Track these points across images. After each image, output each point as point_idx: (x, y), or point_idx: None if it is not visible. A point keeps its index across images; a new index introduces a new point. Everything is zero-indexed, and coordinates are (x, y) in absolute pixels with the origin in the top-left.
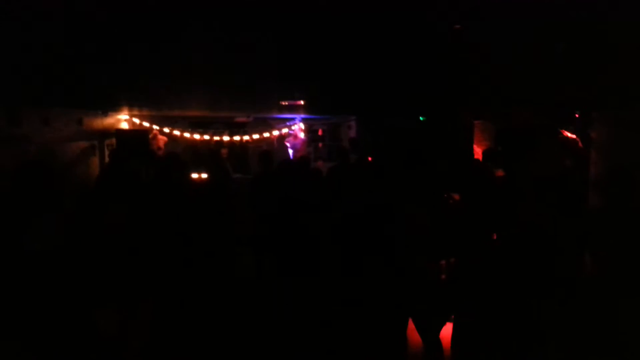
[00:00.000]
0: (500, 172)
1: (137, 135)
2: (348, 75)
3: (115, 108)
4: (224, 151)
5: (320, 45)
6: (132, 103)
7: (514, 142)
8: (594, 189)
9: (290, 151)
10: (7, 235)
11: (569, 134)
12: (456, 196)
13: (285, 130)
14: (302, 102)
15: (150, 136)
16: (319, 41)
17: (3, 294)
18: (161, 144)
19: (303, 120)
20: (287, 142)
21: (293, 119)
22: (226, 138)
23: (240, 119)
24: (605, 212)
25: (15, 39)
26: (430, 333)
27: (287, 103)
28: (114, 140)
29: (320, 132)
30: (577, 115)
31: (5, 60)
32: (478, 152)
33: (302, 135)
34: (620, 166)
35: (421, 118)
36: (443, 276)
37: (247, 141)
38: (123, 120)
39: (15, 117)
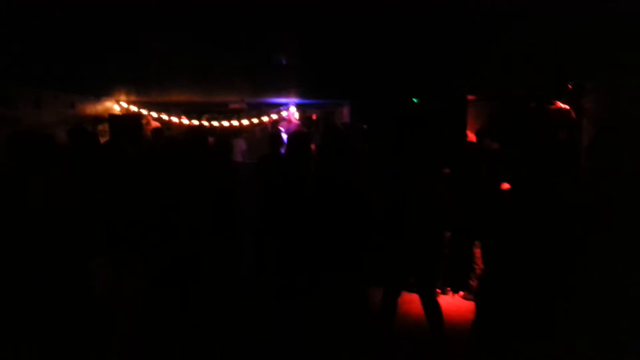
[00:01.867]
0: (496, 145)
1: (130, 120)
2: (340, 57)
3: (109, 93)
4: (210, 140)
5: (313, 27)
6: (125, 87)
7: (508, 126)
8: (587, 157)
9: (284, 136)
10: (13, 192)
11: (562, 105)
12: (447, 171)
13: (279, 115)
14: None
15: (144, 122)
16: (311, 23)
17: (10, 248)
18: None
19: (297, 105)
20: (281, 126)
21: (286, 104)
22: (225, 123)
23: (234, 105)
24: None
25: (10, 20)
26: (431, 296)
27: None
28: (106, 126)
29: (314, 117)
30: (570, 87)
31: None
32: (472, 137)
33: (295, 120)
34: (608, 128)
35: (414, 100)
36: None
37: (241, 127)
38: (116, 105)
39: (8, 97)
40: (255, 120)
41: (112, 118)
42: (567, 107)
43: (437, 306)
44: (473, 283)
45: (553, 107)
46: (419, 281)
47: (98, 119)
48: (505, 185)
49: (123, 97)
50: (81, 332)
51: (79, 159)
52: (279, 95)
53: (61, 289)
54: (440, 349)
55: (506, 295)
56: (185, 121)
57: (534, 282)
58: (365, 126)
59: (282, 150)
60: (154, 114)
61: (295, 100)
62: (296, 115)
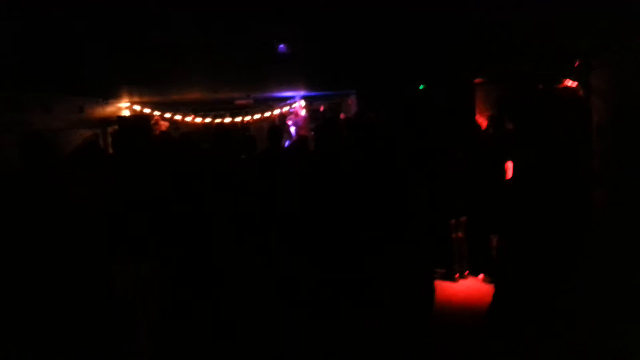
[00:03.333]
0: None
1: (139, 121)
2: (345, 47)
3: (116, 95)
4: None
5: (317, 17)
6: (132, 88)
7: (518, 111)
8: (598, 135)
9: (293, 129)
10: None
11: (570, 83)
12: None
13: (286, 109)
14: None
15: (152, 122)
16: (315, 13)
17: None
18: (163, 129)
19: (303, 97)
20: (289, 120)
21: (293, 97)
22: (227, 120)
23: (241, 101)
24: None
25: (17, 25)
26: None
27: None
28: (116, 127)
29: (321, 109)
30: (577, 64)
31: (6, 45)
32: (482, 122)
33: (303, 112)
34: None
35: (421, 86)
36: (460, 234)
37: (249, 122)
38: (124, 107)
39: (17, 103)
40: (262, 115)
41: (121, 120)
42: (575, 85)
43: (432, 291)
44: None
45: (561, 86)
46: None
47: (107, 121)
48: (509, 165)
49: (130, 98)
50: (101, 333)
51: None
52: (285, 88)
53: (84, 291)
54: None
55: (524, 279)
56: (196, 119)
57: (550, 266)
58: (373, 115)
59: (286, 143)
60: (162, 114)
61: (301, 93)
62: (303, 108)
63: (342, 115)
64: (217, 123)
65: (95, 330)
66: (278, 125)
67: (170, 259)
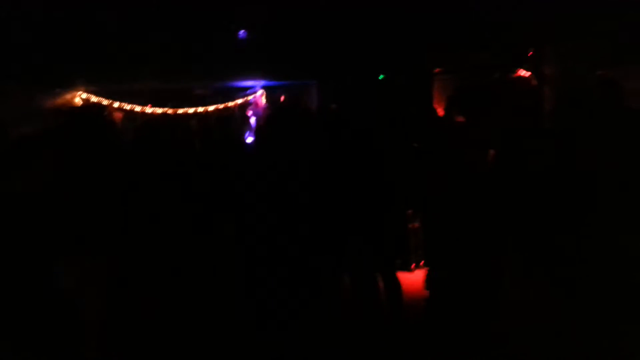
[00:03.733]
0: (460, 118)
1: (92, 111)
2: (305, 35)
3: (68, 85)
4: (193, 123)
5: (279, 5)
6: (85, 78)
7: (470, 102)
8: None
9: (253, 119)
10: None
11: (524, 72)
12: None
13: (246, 99)
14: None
15: (106, 112)
16: (276, 2)
17: None
18: (117, 120)
19: (264, 87)
20: (249, 110)
21: (253, 87)
22: (190, 111)
23: (199, 91)
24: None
25: None
26: (392, 273)
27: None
28: (67, 118)
29: (282, 99)
30: (530, 53)
31: None
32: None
33: (263, 102)
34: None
35: (380, 76)
36: (416, 225)
37: (208, 113)
38: (77, 96)
39: None
40: (222, 106)
41: (73, 110)
42: (529, 74)
43: (397, 284)
44: None
45: (515, 75)
46: (378, 259)
47: (58, 111)
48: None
49: (83, 87)
50: (42, 333)
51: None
52: (245, 77)
53: (24, 288)
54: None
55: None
56: (153, 110)
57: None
58: (333, 106)
59: (249, 135)
60: (116, 104)
61: (261, 82)
62: (263, 98)
63: (282, 98)
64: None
65: (35, 330)
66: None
67: (117, 254)
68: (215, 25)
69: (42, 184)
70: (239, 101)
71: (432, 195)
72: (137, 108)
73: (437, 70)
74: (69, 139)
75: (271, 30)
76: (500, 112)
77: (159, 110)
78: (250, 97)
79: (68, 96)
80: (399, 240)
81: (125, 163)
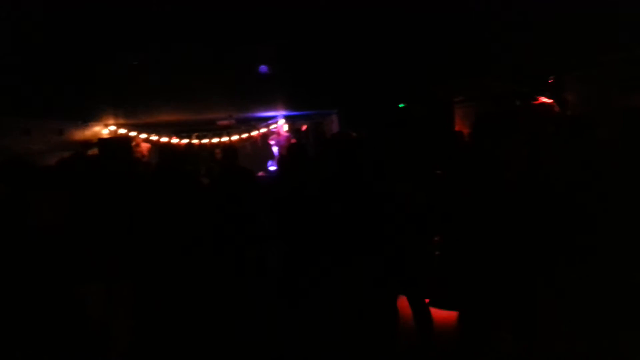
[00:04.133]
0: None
1: (120, 143)
2: (325, 66)
3: (96, 118)
4: (217, 151)
5: (299, 39)
6: (113, 110)
7: (493, 128)
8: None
9: (275, 149)
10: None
11: (546, 100)
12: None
13: (268, 129)
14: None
15: (133, 144)
16: (297, 35)
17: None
18: (145, 151)
19: (285, 117)
20: (271, 140)
21: (275, 117)
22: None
23: (223, 122)
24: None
25: None
26: (422, 304)
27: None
28: (96, 150)
29: (304, 128)
30: (550, 80)
31: None
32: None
33: (285, 132)
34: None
35: (400, 105)
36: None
37: (231, 142)
38: (105, 129)
39: None
40: (245, 135)
41: (102, 142)
42: (550, 101)
43: (428, 314)
44: None
45: (536, 102)
46: (407, 285)
47: (87, 144)
48: None
49: (111, 120)
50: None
51: (75, 183)
52: (267, 108)
53: (54, 313)
54: (428, 352)
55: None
56: (178, 141)
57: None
58: (354, 134)
59: (271, 164)
60: (144, 136)
61: (283, 112)
62: (285, 127)
63: (303, 127)
64: (186, 144)
65: (64, 351)
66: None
67: (144, 277)
68: (238, 59)
69: (69, 212)
70: (262, 131)
71: (456, 219)
72: (164, 139)
73: (457, 98)
74: (98, 168)
75: (292, 62)
76: (525, 138)
77: (185, 141)
78: (272, 127)
79: (97, 129)
80: (425, 266)
81: (150, 191)
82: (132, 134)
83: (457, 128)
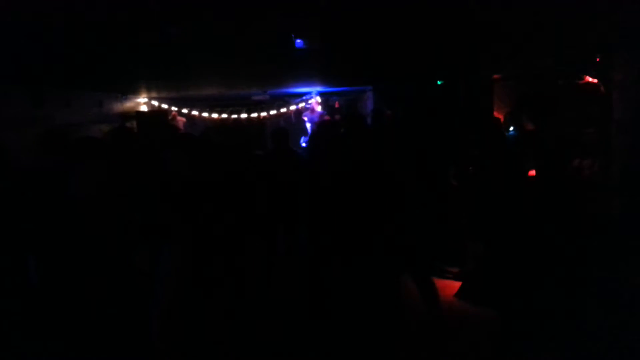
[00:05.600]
0: (530, 127)
1: (156, 116)
2: (361, 42)
3: (134, 91)
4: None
5: (336, 14)
6: (150, 84)
7: (537, 105)
8: (619, 132)
9: (308, 125)
10: (53, 183)
11: (591, 79)
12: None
13: (302, 105)
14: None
15: (169, 117)
16: (334, 11)
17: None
18: (180, 124)
19: (319, 93)
20: (305, 116)
21: (309, 93)
22: (244, 115)
23: (257, 97)
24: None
25: (38, 22)
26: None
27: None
28: (134, 123)
29: (337, 105)
30: (597, 60)
31: (27, 41)
32: (500, 118)
33: (319, 108)
34: None
35: (438, 82)
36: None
37: (264, 117)
38: (142, 103)
39: (38, 98)
40: (278, 111)
41: (139, 115)
42: (596, 80)
43: (431, 287)
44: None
45: (582, 82)
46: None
47: (125, 116)
48: (532, 173)
49: (148, 94)
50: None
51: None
52: (301, 84)
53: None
54: (441, 329)
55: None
56: (212, 115)
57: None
58: (389, 112)
59: (304, 140)
60: (179, 109)
61: (317, 88)
62: (319, 104)
63: (337, 104)
64: (234, 119)
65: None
66: (282, 127)
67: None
68: (273, 34)
69: (107, 181)
70: (295, 107)
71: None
72: (198, 113)
73: (496, 76)
74: (136, 139)
75: (327, 38)
76: (570, 119)
77: (219, 116)
78: (306, 103)
79: (135, 102)
80: (455, 249)
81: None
82: (168, 107)
83: (495, 107)
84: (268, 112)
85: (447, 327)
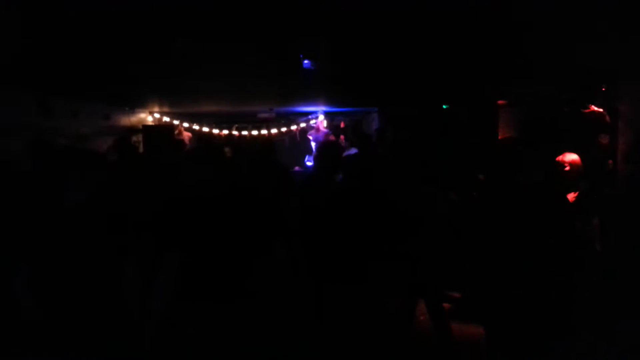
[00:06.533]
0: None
1: (163, 130)
2: (369, 64)
3: (142, 105)
4: (227, 150)
5: (342, 37)
6: (158, 99)
7: (542, 131)
8: (623, 160)
9: (313, 144)
10: (50, 190)
11: (596, 108)
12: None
13: (307, 124)
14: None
15: (176, 132)
16: (340, 30)
17: (45, 245)
18: (186, 139)
19: (325, 113)
20: (310, 135)
21: (315, 112)
22: (254, 132)
23: (263, 115)
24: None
25: (49, 32)
26: (439, 304)
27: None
28: (140, 137)
29: (342, 125)
30: (603, 89)
31: (38, 50)
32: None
33: (324, 128)
34: None
35: (444, 106)
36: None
37: (270, 135)
38: (149, 116)
39: (46, 106)
40: (284, 129)
41: (146, 129)
42: (601, 110)
43: (442, 312)
44: None
45: (587, 110)
46: (423, 288)
47: (132, 129)
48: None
49: (156, 108)
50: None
51: (119, 166)
52: (308, 103)
53: (91, 288)
54: (450, 354)
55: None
56: (218, 131)
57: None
58: (388, 133)
59: (309, 159)
60: (186, 125)
61: (323, 108)
62: (324, 123)
63: (342, 124)
64: (227, 134)
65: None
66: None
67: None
68: (281, 54)
69: (102, 191)
70: (301, 125)
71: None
72: (205, 129)
73: (501, 102)
74: (141, 151)
75: (336, 58)
76: (574, 145)
77: (225, 132)
78: (311, 122)
79: (142, 116)
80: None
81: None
82: (175, 122)
83: (500, 132)
84: (273, 129)
85: (456, 350)
